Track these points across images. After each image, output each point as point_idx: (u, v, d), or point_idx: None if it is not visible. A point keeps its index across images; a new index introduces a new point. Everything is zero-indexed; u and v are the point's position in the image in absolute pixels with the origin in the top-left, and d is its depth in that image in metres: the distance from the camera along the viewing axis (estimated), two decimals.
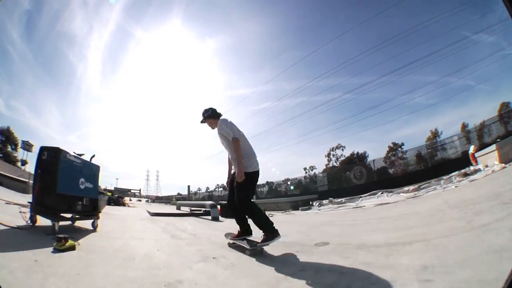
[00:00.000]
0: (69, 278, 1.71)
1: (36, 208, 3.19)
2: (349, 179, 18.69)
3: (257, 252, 2.74)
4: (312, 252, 2.73)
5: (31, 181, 4.98)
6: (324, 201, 10.92)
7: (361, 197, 9.71)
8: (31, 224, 3.22)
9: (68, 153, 3.45)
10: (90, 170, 4.08)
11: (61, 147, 3.33)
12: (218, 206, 8.00)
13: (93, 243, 2.89)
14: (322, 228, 4.78)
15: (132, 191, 73.27)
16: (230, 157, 3.31)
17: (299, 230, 4.53)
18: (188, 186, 30.12)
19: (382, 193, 9.30)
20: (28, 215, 3.34)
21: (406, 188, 8.54)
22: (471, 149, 9.97)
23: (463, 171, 7.79)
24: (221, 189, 39.36)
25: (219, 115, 3.34)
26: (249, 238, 3.04)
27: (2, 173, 10.36)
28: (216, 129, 3.25)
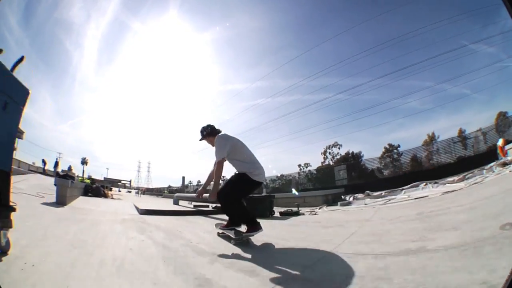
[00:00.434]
0: None
1: None
2: (371, 173, 17.65)
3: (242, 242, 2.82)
4: None
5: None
6: (359, 195, 9.63)
7: (403, 189, 8.65)
8: None
9: None
10: None
11: None
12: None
13: None
14: None
15: (122, 181, 71.83)
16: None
17: None
18: (183, 178, 27.65)
19: (425, 184, 8.40)
20: None
21: (450, 179, 7.97)
22: (500, 142, 9.57)
23: (501, 161, 7.63)
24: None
25: (218, 131, 3.35)
26: (237, 228, 3.13)
27: None
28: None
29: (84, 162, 72.63)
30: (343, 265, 1.93)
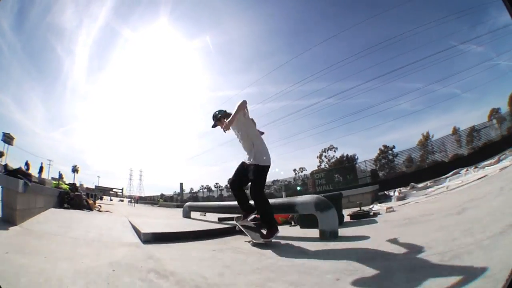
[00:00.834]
0: None
1: None
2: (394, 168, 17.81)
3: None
4: None
5: None
6: (402, 189, 8.96)
7: (447, 177, 8.38)
8: None
9: None
10: None
11: None
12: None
13: None
14: None
15: (114, 190, 69.95)
16: (242, 146, 3.37)
17: None
18: (181, 184, 25.11)
19: (466, 170, 8.22)
20: None
21: (487, 162, 8.07)
22: None
23: None
24: (206, 190, 37.82)
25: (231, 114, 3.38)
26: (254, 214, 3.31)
27: None
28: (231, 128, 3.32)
29: (75, 169, 69.78)
30: None
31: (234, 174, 3.44)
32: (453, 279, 1.35)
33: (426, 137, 26.39)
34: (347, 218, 4.95)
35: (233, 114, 3.13)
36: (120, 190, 71.70)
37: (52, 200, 5.56)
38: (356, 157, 30.69)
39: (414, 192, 7.99)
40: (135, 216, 6.63)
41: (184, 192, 41.03)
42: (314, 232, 3.27)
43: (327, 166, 32.53)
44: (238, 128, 3.31)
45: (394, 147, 26.95)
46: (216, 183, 38.16)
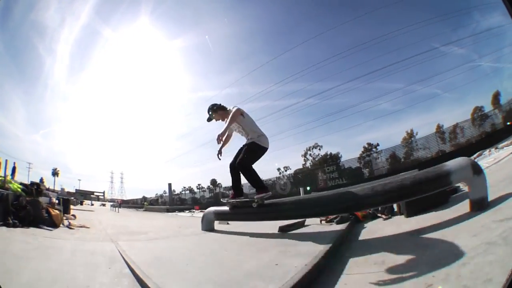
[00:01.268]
0: None
1: None
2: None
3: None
4: None
5: None
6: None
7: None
8: None
9: None
10: None
11: None
12: None
13: None
14: None
15: (95, 193, 65.94)
16: (242, 134, 3.69)
17: None
18: (170, 185, 22.28)
19: (490, 151, 8.13)
20: None
21: (504, 143, 8.25)
22: None
23: None
24: (188, 191, 36.97)
25: (226, 108, 3.72)
26: (242, 198, 3.60)
27: None
28: (225, 120, 3.60)
29: (55, 173, 64.72)
30: None
31: (234, 157, 3.63)
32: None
33: (410, 135, 26.54)
34: None
35: (225, 125, 3.44)
36: (102, 194, 67.87)
37: None
38: (339, 155, 30.90)
39: None
40: (127, 235, 4.37)
41: (165, 194, 37.59)
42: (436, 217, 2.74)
43: (310, 164, 32.88)
44: (236, 129, 3.67)
45: (378, 144, 27.06)
46: (199, 184, 37.64)
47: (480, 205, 2.45)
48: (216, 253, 2.71)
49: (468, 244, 1.72)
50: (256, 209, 3.35)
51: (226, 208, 3.97)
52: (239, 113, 3.51)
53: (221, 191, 30.02)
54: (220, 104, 3.73)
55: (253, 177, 3.38)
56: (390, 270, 1.73)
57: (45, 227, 3.98)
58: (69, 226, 4.69)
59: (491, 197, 2.50)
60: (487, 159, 7.25)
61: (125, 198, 65.51)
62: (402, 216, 3.51)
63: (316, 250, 2.19)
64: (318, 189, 18.54)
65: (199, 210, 17.48)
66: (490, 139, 11.44)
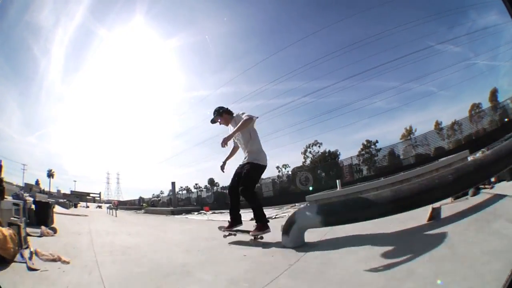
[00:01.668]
0: None
1: None
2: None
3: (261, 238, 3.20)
4: None
5: None
6: None
7: None
8: None
9: None
10: None
11: None
12: None
13: None
14: None
15: (91, 195, 63.86)
16: (241, 147, 3.61)
17: None
18: (173, 184, 20.04)
19: None
20: None
21: None
22: None
23: None
24: (185, 191, 37.29)
25: (233, 112, 3.69)
26: (240, 228, 3.51)
27: None
28: (230, 126, 3.63)
29: (50, 174, 62.36)
30: None
31: (231, 180, 3.57)
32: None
33: (409, 131, 26.68)
34: None
35: (234, 130, 3.33)
36: (98, 195, 65.59)
37: None
38: (338, 153, 31.07)
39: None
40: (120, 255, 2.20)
41: (162, 194, 37.33)
42: None
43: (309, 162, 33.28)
44: (241, 136, 3.53)
45: (377, 141, 26.89)
46: (196, 184, 37.59)
47: None
48: None
49: None
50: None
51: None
52: (254, 121, 3.43)
53: (219, 190, 29.15)
54: (227, 108, 3.74)
55: (258, 208, 3.26)
56: None
57: None
58: (30, 267, 2.44)
59: None
60: None
61: (121, 199, 64.39)
62: None
63: None
64: (346, 182, 16.80)
65: (210, 212, 15.39)
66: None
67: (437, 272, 1.69)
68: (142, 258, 3.21)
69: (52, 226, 6.64)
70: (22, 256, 2.65)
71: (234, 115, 3.63)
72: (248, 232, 3.26)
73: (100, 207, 32.00)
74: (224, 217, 7.47)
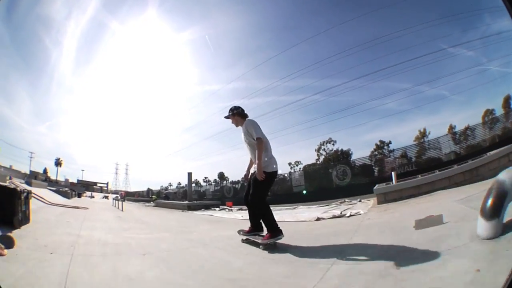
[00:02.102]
0: None
1: None
2: None
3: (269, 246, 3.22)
4: None
5: None
6: None
7: None
8: None
9: None
10: None
11: None
12: None
13: None
14: None
15: (98, 184, 62.68)
16: (250, 155, 3.69)
17: None
18: (190, 174, 16.90)
19: None
20: None
21: None
22: None
23: None
24: (194, 184, 33.52)
25: (247, 115, 3.75)
26: (260, 234, 3.49)
27: None
28: (240, 127, 3.74)
29: (58, 163, 61.48)
30: None
31: (246, 190, 3.67)
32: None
33: (423, 134, 26.33)
34: None
35: (257, 161, 3.33)
36: (105, 185, 64.12)
37: None
38: (350, 152, 30.80)
39: None
40: None
41: (171, 187, 36.23)
42: None
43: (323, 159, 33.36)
44: (249, 143, 3.58)
45: (390, 142, 26.72)
46: (205, 177, 36.99)
47: None
48: None
49: None
50: None
51: None
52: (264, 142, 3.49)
53: (228, 185, 28.84)
54: (242, 110, 3.78)
55: (267, 217, 3.29)
56: None
57: None
58: None
59: None
60: None
61: (129, 190, 63.40)
62: None
63: None
64: (384, 177, 14.60)
65: (236, 208, 12.47)
66: None
67: None
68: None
69: (8, 234, 3.77)
70: None
71: (247, 119, 3.66)
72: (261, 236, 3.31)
73: (106, 197, 29.60)
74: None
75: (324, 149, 33.75)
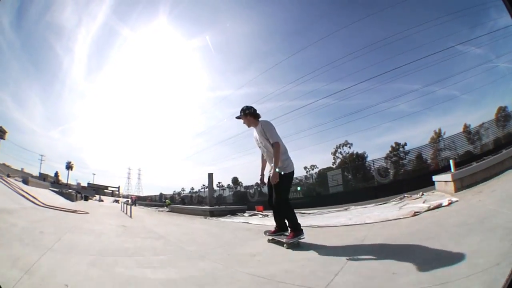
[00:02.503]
0: None
1: None
2: None
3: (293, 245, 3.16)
4: None
5: None
6: None
7: None
8: None
9: None
10: None
11: None
12: None
13: None
14: None
15: (109, 188, 62.17)
16: (265, 156, 3.64)
17: None
18: (210, 175, 14.16)
19: None
20: None
21: None
22: None
23: None
24: (207, 189, 33.15)
25: (259, 115, 3.63)
26: (285, 233, 3.45)
27: None
28: (252, 127, 3.65)
29: (68, 166, 61.12)
30: None
31: (268, 192, 3.65)
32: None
33: (438, 134, 25.78)
34: None
35: (274, 167, 3.32)
36: (117, 189, 63.18)
37: None
38: (366, 155, 30.78)
39: None
40: None
41: (184, 192, 35.84)
42: None
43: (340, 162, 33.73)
44: (265, 145, 3.49)
45: (406, 144, 26.49)
46: (219, 182, 36.39)
47: None
48: None
49: None
50: None
51: None
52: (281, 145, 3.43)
53: (242, 189, 28.51)
54: (254, 110, 3.63)
55: (291, 217, 3.32)
56: None
57: None
58: None
59: None
60: None
61: (142, 195, 62.53)
62: None
63: None
64: (430, 171, 14.47)
65: (266, 212, 9.77)
66: None
67: None
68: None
69: None
70: None
71: (260, 119, 3.60)
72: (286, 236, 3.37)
73: (117, 201, 27.44)
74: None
75: (340, 152, 33.92)
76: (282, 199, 3.30)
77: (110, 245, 3.64)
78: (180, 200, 21.64)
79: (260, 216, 9.65)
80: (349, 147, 33.67)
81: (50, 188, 16.67)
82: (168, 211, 16.94)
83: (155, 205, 26.04)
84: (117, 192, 61.49)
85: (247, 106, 3.59)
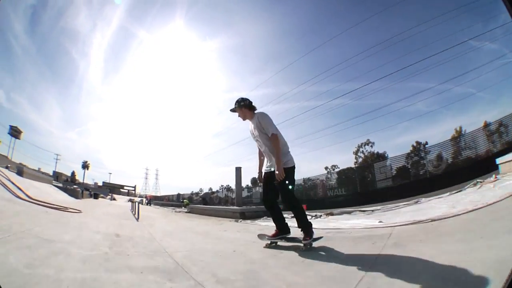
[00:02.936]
0: None
1: None
2: None
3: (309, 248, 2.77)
4: None
5: None
6: None
7: None
8: None
9: None
10: None
11: None
12: None
13: None
14: None
15: (125, 187, 62.31)
16: (262, 150, 3.28)
17: None
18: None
19: None
20: None
21: None
22: None
23: None
24: (225, 189, 35.80)
25: (255, 107, 3.31)
26: (288, 236, 3.13)
27: None
28: (248, 120, 3.28)
29: (85, 166, 61.33)
30: None
31: (262, 192, 3.38)
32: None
33: (459, 132, 25.64)
34: None
35: (278, 161, 2.91)
36: (133, 188, 62.47)
37: None
38: (386, 155, 30.46)
39: None
40: None
41: (201, 192, 34.50)
42: None
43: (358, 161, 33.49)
44: (262, 141, 3.14)
45: (426, 143, 25.53)
46: (227, 185, 35.61)
47: None
48: None
49: None
50: None
51: None
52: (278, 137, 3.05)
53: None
54: (250, 102, 3.27)
55: (302, 214, 2.93)
56: None
57: None
58: None
59: None
60: None
61: (159, 195, 61.84)
62: None
63: None
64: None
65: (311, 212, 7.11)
66: None
67: None
68: None
69: None
70: None
71: (256, 111, 3.23)
72: (294, 239, 3.03)
73: (131, 200, 25.61)
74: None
75: (362, 151, 34.08)
76: (291, 196, 2.93)
77: None
78: (201, 199, 19.02)
79: (310, 217, 6.94)
80: (371, 146, 33.89)
81: (53, 183, 14.97)
82: (186, 212, 14.44)
83: (171, 205, 23.82)
84: (133, 191, 61.09)
85: (242, 98, 3.26)
